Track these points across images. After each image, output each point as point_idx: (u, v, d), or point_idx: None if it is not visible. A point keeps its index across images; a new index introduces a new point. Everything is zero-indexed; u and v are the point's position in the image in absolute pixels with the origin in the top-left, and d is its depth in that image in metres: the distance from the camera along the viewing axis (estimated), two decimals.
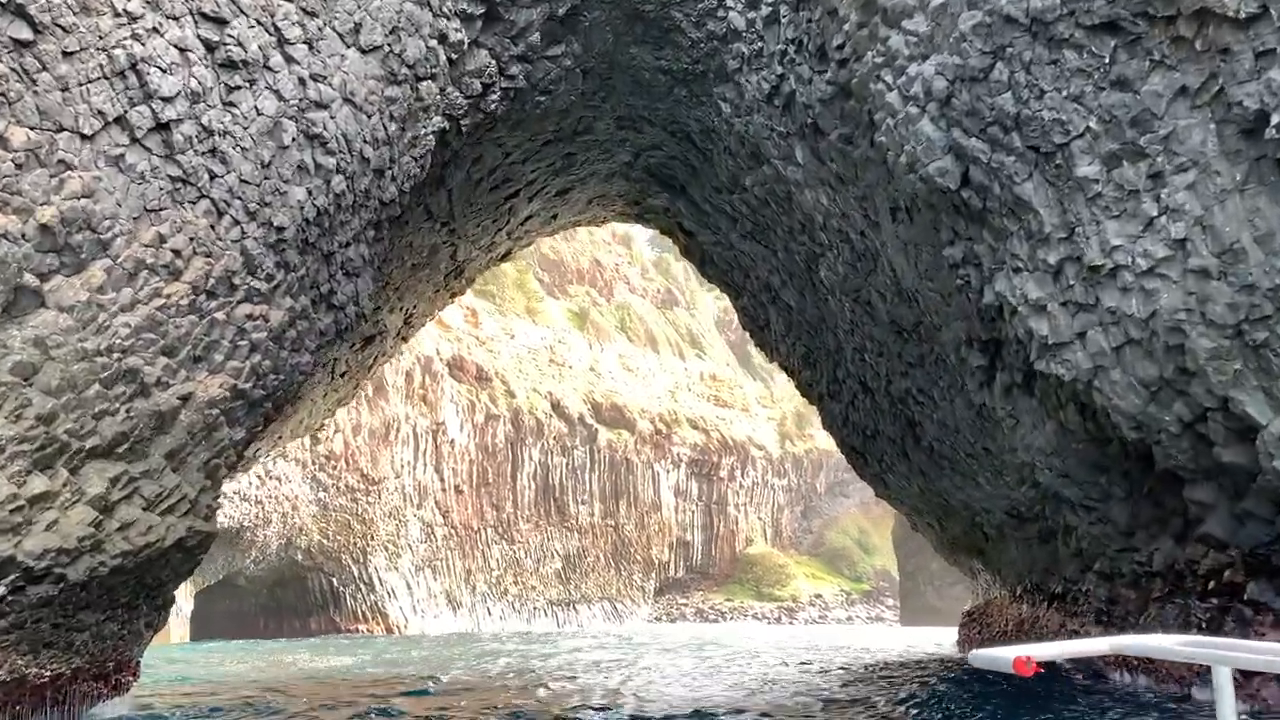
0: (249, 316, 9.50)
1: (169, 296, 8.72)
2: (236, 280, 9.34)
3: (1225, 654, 2.74)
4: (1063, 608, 12.40)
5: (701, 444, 74.83)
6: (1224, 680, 2.77)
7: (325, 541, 40.83)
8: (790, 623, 69.22)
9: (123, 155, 8.23)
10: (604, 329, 71.94)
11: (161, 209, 8.59)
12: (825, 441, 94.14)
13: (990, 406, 11.15)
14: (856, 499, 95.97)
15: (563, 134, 15.21)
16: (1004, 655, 2.91)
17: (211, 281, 9.08)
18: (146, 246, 8.46)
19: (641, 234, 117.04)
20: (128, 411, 8.44)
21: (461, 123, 12.48)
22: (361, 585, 42.19)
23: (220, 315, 9.25)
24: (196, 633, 38.12)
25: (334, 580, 41.46)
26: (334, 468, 40.11)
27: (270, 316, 9.81)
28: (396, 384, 45.65)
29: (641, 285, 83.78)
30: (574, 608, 59.87)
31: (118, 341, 8.29)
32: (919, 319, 12.11)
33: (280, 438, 16.00)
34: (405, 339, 18.62)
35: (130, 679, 11.43)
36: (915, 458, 14.65)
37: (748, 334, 19.73)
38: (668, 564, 70.43)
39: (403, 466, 45.87)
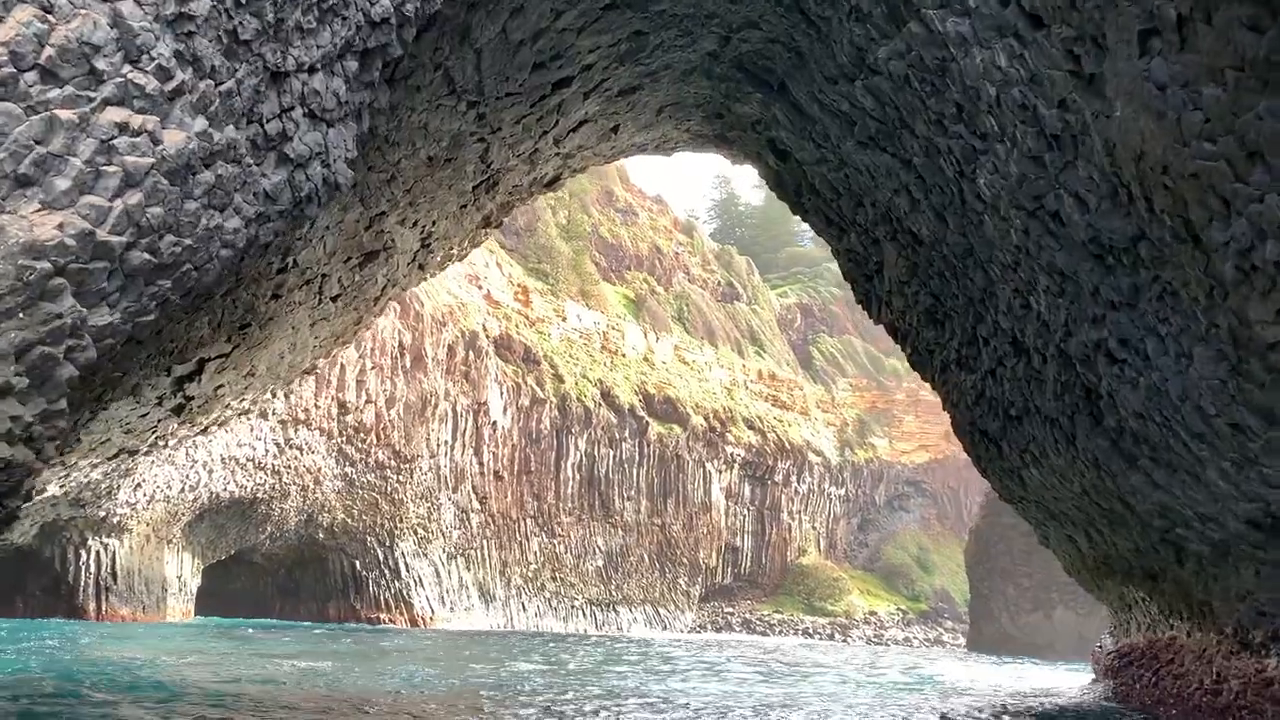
0: (121, 127, 5.96)
1: None
2: (101, 62, 5.80)
3: None
4: None
5: (757, 445, 70.78)
6: None
7: (349, 521, 37.64)
8: (844, 640, 64.89)
9: None
10: (661, 318, 68.26)
11: None
12: (887, 451, 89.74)
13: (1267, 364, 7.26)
14: (917, 514, 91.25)
15: None
16: None
17: (49, 54, 5.55)
18: None
19: (705, 223, 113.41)
20: None
21: None
22: (386, 571, 38.94)
23: (68, 115, 5.72)
24: (204, 610, 35.10)
25: (356, 564, 38.25)
26: (363, 441, 36.88)
27: (163, 138, 6.26)
28: (438, 357, 42.37)
29: (702, 276, 79.90)
30: (614, 609, 56.22)
31: None
32: (1142, 230, 8.23)
33: (252, 374, 12.53)
34: (425, 269, 15.07)
35: None
36: (1089, 444, 10.73)
37: (851, 286, 15.88)
38: (715, 569, 66.47)
39: (439, 446, 42.57)
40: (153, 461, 23.69)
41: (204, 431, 15.29)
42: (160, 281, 6.63)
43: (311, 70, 7.72)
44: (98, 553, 24.82)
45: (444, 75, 10.74)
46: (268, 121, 7.38)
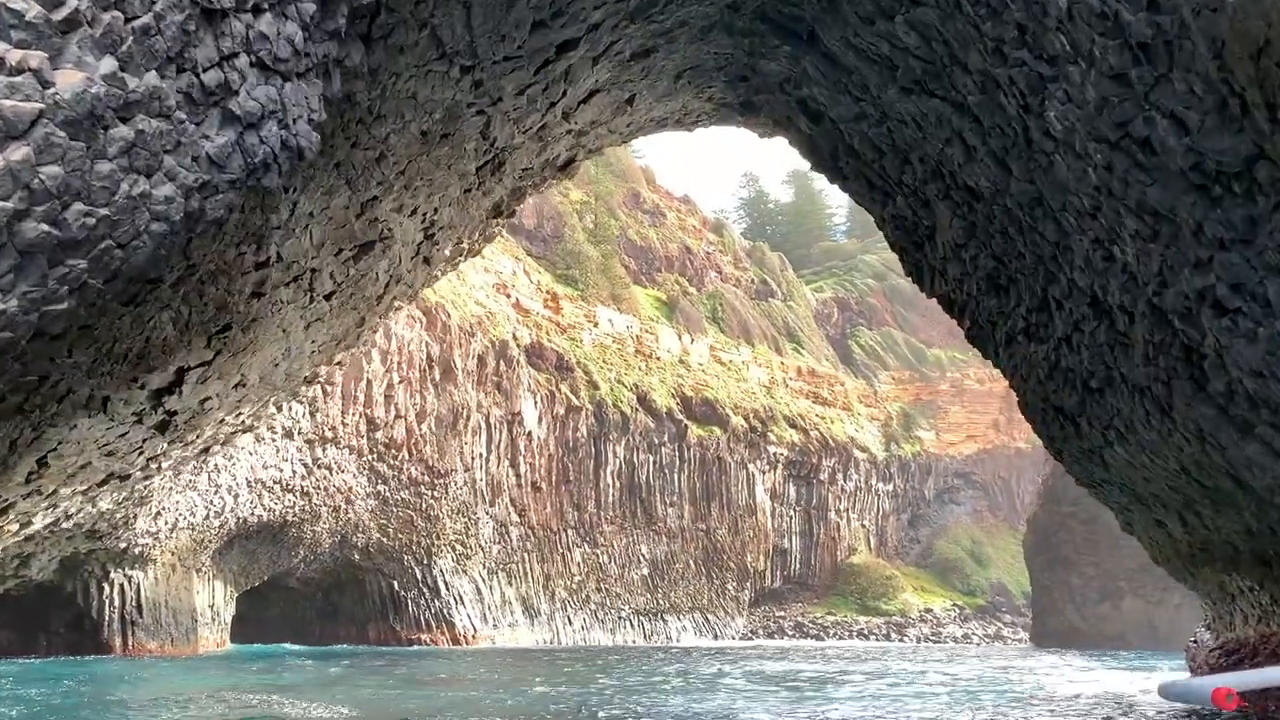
0: None
1: None
2: None
3: None
4: None
5: (800, 443, 69.15)
6: None
7: (385, 540, 36.63)
8: (900, 640, 63.05)
9: None
10: (694, 319, 66.88)
11: None
12: (934, 444, 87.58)
13: None
14: (968, 507, 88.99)
15: None
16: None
17: None
18: None
19: (734, 222, 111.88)
20: None
21: None
22: (425, 590, 37.89)
23: None
24: (241, 638, 34.21)
25: (394, 584, 37.23)
26: (395, 457, 35.87)
27: (54, 79, 5.08)
28: (468, 368, 41.33)
29: (734, 275, 78.44)
30: (662, 619, 54.84)
31: None
32: (1260, 148, 6.82)
33: (243, 385, 11.38)
34: (431, 264, 13.87)
35: None
36: (1189, 413, 9.28)
37: (899, 256, 14.45)
38: (763, 573, 64.91)
39: (473, 459, 41.51)
40: (170, 489, 22.76)
41: (205, 453, 14.20)
42: (71, 261, 5.44)
43: (256, 10, 6.52)
44: (121, 586, 23.93)
45: (431, 35, 9.53)
46: (205, 70, 6.17)
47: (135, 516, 21.34)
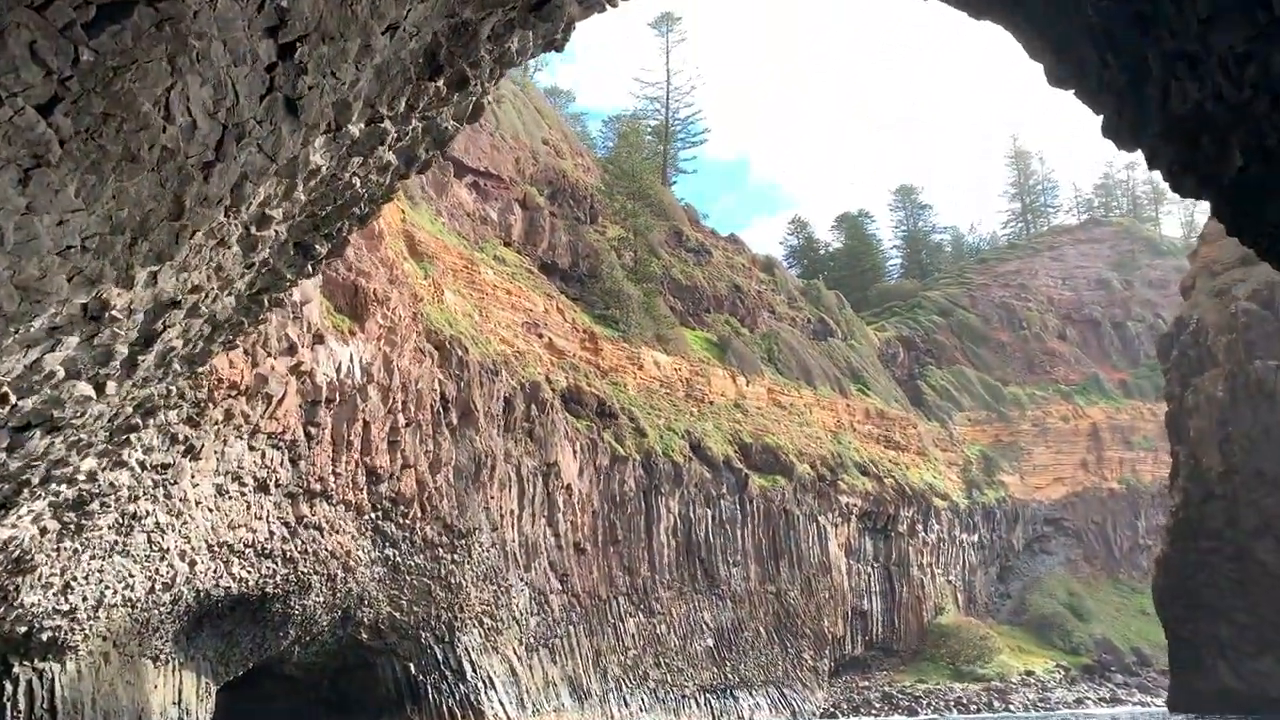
0: None
1: None
2: None
3: None
4: None
5: (874, 492, 62.42)
6: None
7: (397, 615, 30.88)
8: (1004, 708, 55.38)
9: None
10: (749, 360, 61.03)
11: None
12: (1019, 489, 79.92)
13: None
14: (1061, 556, 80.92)
15: None
16: None
17: None
18: None
19: (787, 259, 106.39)
20: None
21: None
22: (447, 672, 31.94)
23: None
24: None
25: (411, 666, 31.34)
26: (404, 515, 30.27)
27: None
28: (491, 411, 35.85)
29: (789, 314, 72.59)
30: (732, 695, 48.07)
31: None
32: None
33: None
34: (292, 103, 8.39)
35: None
36: None
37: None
38: (843, 638, 57.82)
39: (502, 516, 35.79)
40: (78, 551, 17.38)
41: None
42: None
43: None
44: (30, 683, 18.50)
45: None
46: None
47: (17, 589, 15.99)
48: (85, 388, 8.91)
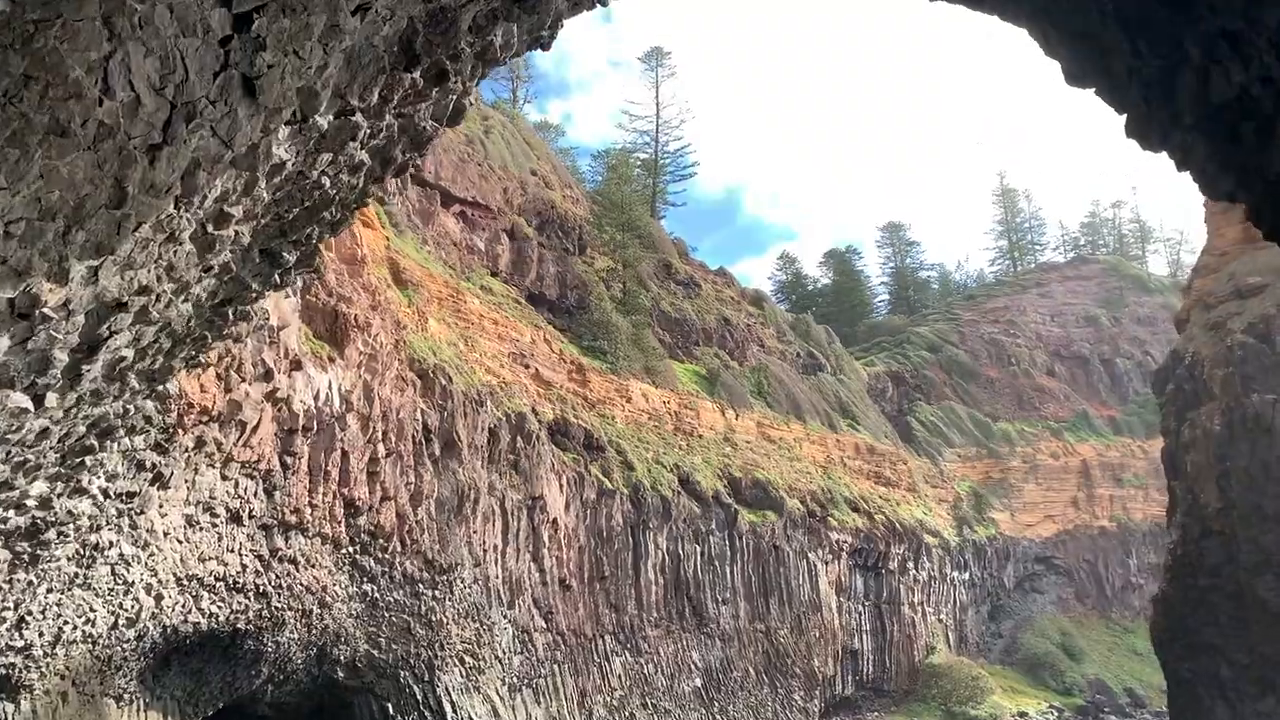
0: None
1: None
2: None
3: None
4: None
5: (864, 529, 61.51)
6: None
7: (375, 653, 29.77)
8: None
9: None
10: (738, 393, 60.30)
11: None
12: (1009, 526, 79.03)
13: None
14: (1053, 594, 79.96)
15: None
16: None
17: None
18: None
19: (776, 294, 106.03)
20: None
21: None
22: (428, 713, 30.79)
23: None
24: None
25: (389, 706, 30.19)
26: (383, 549, 29.26)
27: None
28: (475, 443, 34.94)
29: (778, 348, 72.03)
30: None
31: None
32: None
33: None
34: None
35: None
36: None
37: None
38: (833, 678, 56.63)
39: (485, 551, 34.79)
40: (33, 584, 16.43)
41: None
42: None
43: None
44: None
45: None
46: None
47: None
48: (20, 398, 8.09)
